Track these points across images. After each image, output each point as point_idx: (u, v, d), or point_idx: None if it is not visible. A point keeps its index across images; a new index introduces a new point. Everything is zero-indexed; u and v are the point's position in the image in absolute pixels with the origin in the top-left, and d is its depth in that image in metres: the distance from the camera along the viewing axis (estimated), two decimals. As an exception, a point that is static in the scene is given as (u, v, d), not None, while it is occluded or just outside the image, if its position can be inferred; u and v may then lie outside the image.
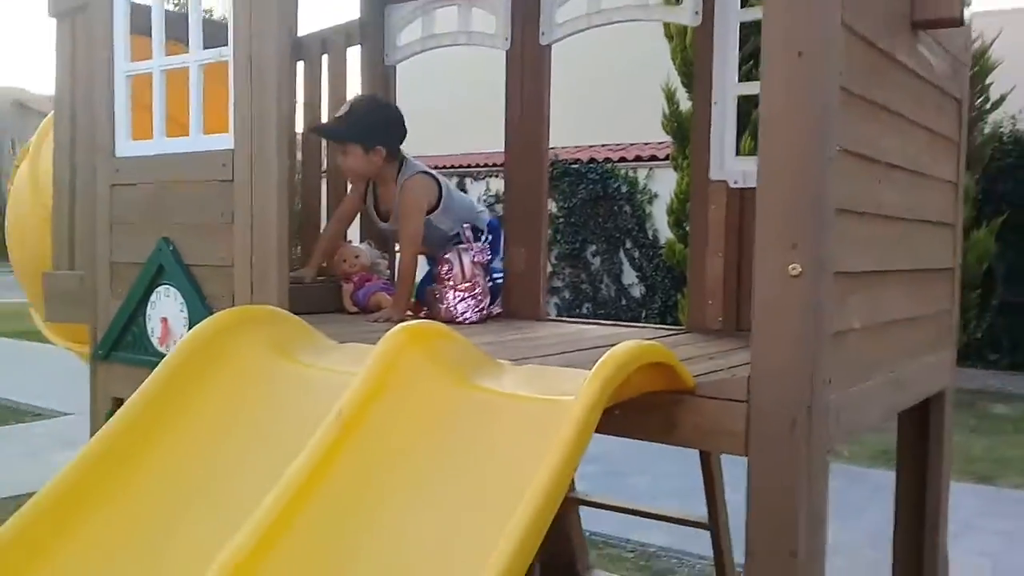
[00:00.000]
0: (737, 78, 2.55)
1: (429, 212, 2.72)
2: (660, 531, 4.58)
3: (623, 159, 14.04)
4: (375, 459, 1.39)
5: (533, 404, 1.39)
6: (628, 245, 14.04)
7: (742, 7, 2.51)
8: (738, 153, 2.56)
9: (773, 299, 1.39)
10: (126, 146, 2.31)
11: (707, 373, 1.58)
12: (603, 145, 14.67)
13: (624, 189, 13.98)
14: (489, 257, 2.76)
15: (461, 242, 2.70)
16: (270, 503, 1.28)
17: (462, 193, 3.08)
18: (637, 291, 13.52)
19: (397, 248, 2.97)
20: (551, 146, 2.87)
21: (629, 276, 14.09)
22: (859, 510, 4.98)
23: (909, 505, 2.26)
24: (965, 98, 2.32)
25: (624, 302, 13.80)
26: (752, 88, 2.62)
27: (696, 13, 2.55)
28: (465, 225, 2.72)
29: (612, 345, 1.32)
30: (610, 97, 14.42)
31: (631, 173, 14.10)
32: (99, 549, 1.44)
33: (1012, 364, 10.63)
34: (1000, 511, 5.54)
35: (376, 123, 2.70)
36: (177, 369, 1.65)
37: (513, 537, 1.11)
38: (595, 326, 2.75)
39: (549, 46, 2.77)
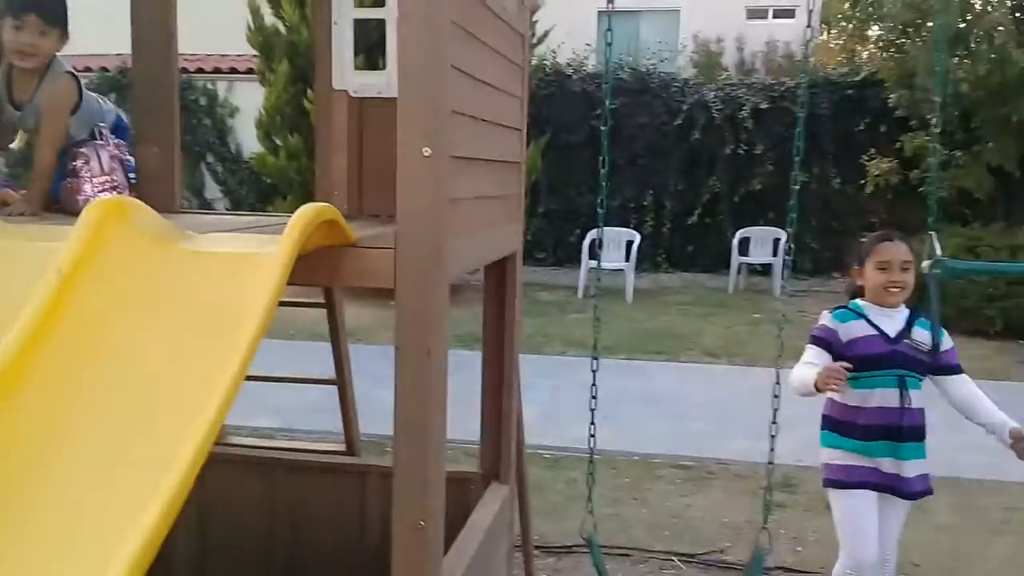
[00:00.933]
0: (354, 4, 3.02)
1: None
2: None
3: (201, 70, 13.61)
4: (94, 312, 1.67)
5: (236, 257, 1.79)
6: (210, 159, 13.77)
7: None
8: (358, 68, 3.05)
9: (412, 174, 1.93)
10: None
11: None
12: (180, 55, 13.98)
13: (203, 102, 13.60)
14: (128, 156, 2.92)
15: (96, 138, 2.82)
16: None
17: (90, 93, 3.15)
18: (221, 205, 13.40)
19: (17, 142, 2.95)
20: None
21: (212, 190, 13.86)
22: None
23: (494, 356, 2.98)
24: (526, 32, 3.05)
25: (212, 217, 13.47)
26: (365, 13, 3.13)
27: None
28: (101, 124, 2.85)
29: (264, 225, 1.72)
30: (184, 5, 13.76)
31: (210, 86, 13.74)
32: None
33: (555, 261, 12.69)
34: (547, 372, 6.90)
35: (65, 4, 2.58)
36: None
37: (241, 349, 1.50)
38: (233, 216, 3.09)
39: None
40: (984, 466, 5.10)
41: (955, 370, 2.94)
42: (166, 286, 1.71)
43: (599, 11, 16.20)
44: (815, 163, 12.51)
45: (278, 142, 9.82)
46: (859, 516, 2.90)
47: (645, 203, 12.80)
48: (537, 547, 3.71)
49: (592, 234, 10.99)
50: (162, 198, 3.00)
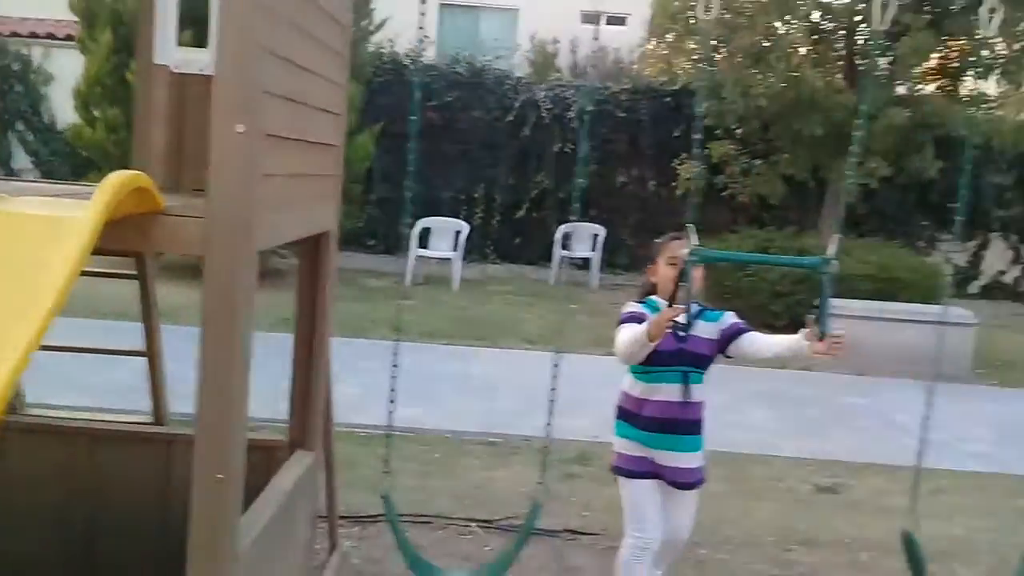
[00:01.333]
0: (177, -20, 3.10)
1: None
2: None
3: (16, 34, 12.80)
4: None
5: (45, 220, 1.88)
6: (20, 128, 12.96)
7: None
8: (179, 44, 3.13)
9: (226, 149, 2.09)
10: None
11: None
12: (-10, 14, 13.14)
13: (17, 67, 12.79)
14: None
15: None
16: None
17: None
18: (32, 177, 12.64)
19: None
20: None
21: (21, 160, 13.06)
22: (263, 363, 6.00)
23: (305, 330, 3.13)
24: (348, 23, 3.23)
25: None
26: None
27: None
28: None
29: (77, 193, 1.81)
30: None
31: (25, 51, 12.94)
32: None
33: (385, 249, 12.79)
34: (370, 355, 7.03)
35: None
36: None
37: (41, 313, 1.60)
38: (46, 184, 3.09)
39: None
40: (755, 443, 5.75)
41: (744, 330, 3.18)
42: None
43: (440, 2, 16.45)
44: (634, 165, 13.29)
45: (97, 114, 9.42)
46: (642, 502, 3.19)
47: (476, 195, 13.14)
48: (344, 516, 3.90)
49: (422, 223, 11.22)
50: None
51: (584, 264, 12.36)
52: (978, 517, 4.82)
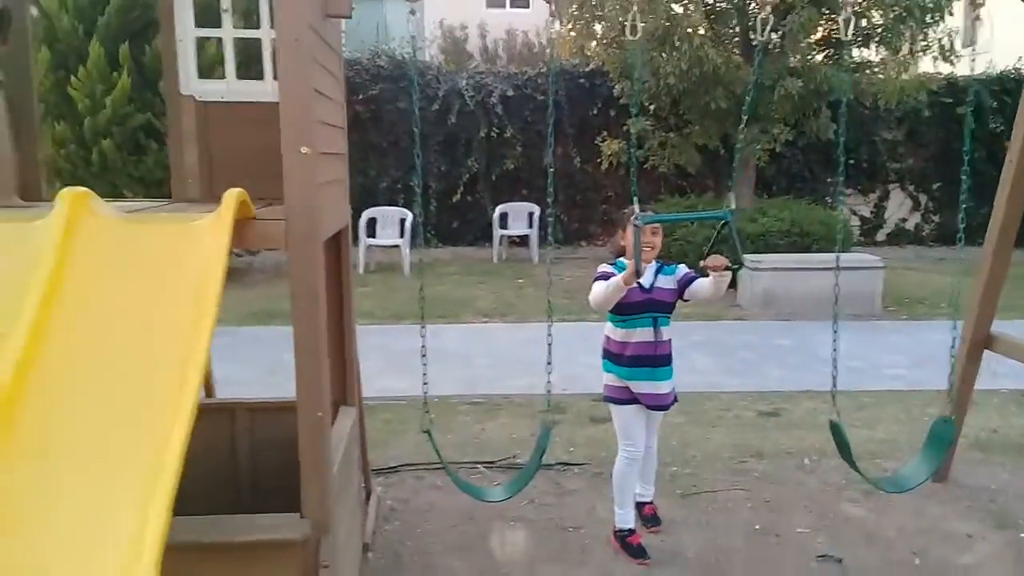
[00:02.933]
0: (194, 25, 3.61)
1: None
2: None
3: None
4: (81, 290, 2.23)
5: (186, 227, 2.43)
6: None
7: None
8: (200, 76, 3.64)
9: (295, 167, 2.65)
10: None
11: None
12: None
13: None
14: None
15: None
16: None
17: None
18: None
19: None
20: None
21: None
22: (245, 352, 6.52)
23: (335, 311, 3.70)
24: (340, 50, 3.79)
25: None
26: (207, 31, 3.71)
27: (160, -29, 3.52)
28: None
29: (154, 208, 2.31)
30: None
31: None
32: None
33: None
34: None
35: None
36: None
37: (204, 308, 2.18)
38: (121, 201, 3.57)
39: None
40: (703, 383, 6.52)
41: (694, 278, 3.81)
42: (134, 258, 2.34)
43: None
44: (558, 144, 13.95)
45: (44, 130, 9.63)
46: (629, 423, 3.88)
47: (412, 183, 13.67)
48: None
49: (367, 213, 11.72)
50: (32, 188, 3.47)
51: (522, 241, 13.04)
52: (897, 424, 5.65)
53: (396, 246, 11.50)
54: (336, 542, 2.92)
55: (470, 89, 13.79)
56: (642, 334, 3.80)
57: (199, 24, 3.63)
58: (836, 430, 3.62)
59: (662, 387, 3.85)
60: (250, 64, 3.85)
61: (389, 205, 12.55)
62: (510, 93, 13.85)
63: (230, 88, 3.68)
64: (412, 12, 3.26)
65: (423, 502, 4.48)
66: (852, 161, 14.63)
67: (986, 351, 4.51)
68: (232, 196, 2.44)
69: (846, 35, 3.43)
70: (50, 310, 2.14)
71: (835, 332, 3.72)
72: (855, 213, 14.99)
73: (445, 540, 4.05)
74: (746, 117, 3.77)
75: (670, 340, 3.88)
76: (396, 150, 13.58)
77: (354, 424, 3.69)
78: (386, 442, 5.20)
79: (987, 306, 4.47)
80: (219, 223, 2.38)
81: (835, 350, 3.71)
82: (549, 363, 3.55)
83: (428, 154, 13.73)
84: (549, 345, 3.53)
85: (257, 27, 3.74)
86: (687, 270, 3.91)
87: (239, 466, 3.75)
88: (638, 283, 3.68)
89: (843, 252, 10.92)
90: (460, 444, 5.22)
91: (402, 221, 11.75)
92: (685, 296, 3.85)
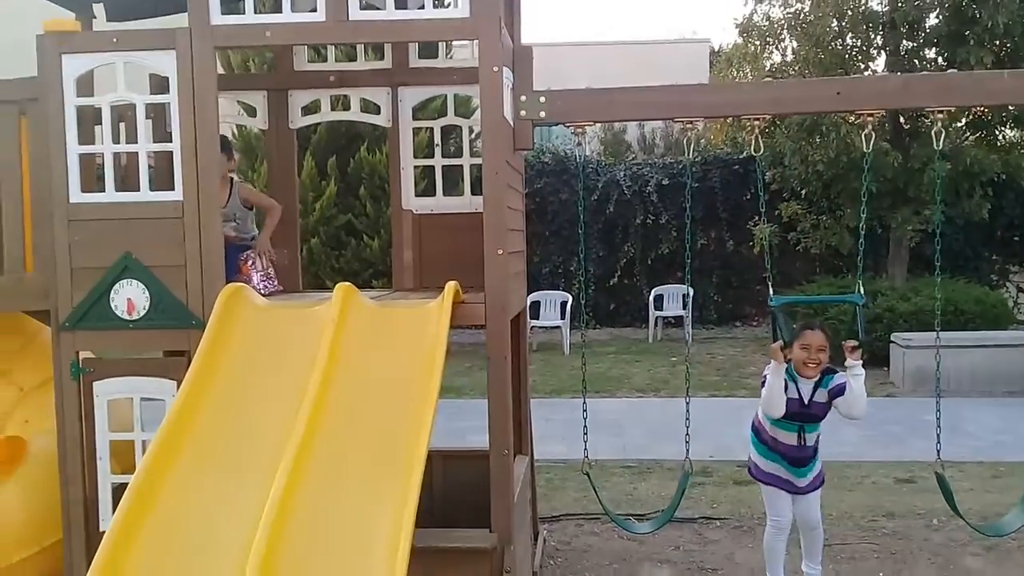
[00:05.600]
0: (412, 155, 4.75)
1: None
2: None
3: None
4: (350, 354, 3.28)
5: (418, 308, 3.44)
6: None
7: (413, 119, 4.73)
8: (416, 195, 4.77)
9: (493, 263, 3.62)
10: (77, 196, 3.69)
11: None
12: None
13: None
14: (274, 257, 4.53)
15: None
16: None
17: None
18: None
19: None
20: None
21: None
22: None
23: (515, 379, 4.65)
24: (522, 172, 4.82)
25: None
26: (421, 162, 4.84)
27: (388, 120, 4.70)
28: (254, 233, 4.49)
29: (384, 295, 3.35)
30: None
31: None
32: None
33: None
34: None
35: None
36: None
37: (433, 369, 3.14)
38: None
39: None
40: (846, 453, 7.00)
41: (842, 391, 4.03)
42: (386, 331, 3.37)
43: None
44: (712, 228, 14.64)
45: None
46: (774, 497, 4.23)
47: (572, 268, 14.69)
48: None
49: (531, 297, 12.79)
50: (292, 284, 4.65)
51: (676, 322, 13.72)
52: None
53: (557, 327, 12.48)
54: (516, 555, 3.78)
55: (627, 179, 14.78)
56: (787, 437, 4.13)
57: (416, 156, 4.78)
58: (940, 480, 4.16)
59: (801, 481, 4.20)
60: (454, 182, 4.97)
61: (551, 289, 13.58)
62: (665, 182, 14.73)
63: (438, 203, 4.78)
64: (578, 144, 4.22)
65: (582, 544, 5.27)
66: (1017, 238, 14.48)
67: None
68: (451, 287, 3.44)
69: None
70: (334, 365, 3.18)
71: (937, 399, 4.26)
72: (1022, 291, 14.71)
73: (601, 575, 4.81)
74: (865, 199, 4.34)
75: (816, 442, 4.19)
76: (558, 238, 14.68)
77: (526, 470, 4.58)
78: (549, 496, 6.04)
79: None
80: (443, 306, 3.37)
81: (938, 412, 4.25)
82: (687, 419, 4.27)
83: (588, 240, 14.74)
84: (687, 403, 4.28)
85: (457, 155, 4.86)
86: (842, 380, 4.08)
87: (433, 497, 4.69)
88: (799, 395, 4.04)
89: (1002, 330, 11.05)
90: (613, 499, 5.97)
91: (563, 304, 12.75)
92: (834, 405, 4.09)
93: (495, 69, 3.57)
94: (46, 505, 3.86)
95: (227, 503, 2.88)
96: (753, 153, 4.16)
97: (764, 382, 4.10)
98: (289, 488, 2.78)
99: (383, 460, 2.93)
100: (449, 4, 4.39)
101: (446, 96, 5.03)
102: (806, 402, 4.07)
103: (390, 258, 12.73)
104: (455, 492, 4.65)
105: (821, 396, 4.09)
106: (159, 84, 3.78)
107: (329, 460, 2.93)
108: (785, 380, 4.03)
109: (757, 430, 4.29)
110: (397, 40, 4.43)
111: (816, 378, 4.08)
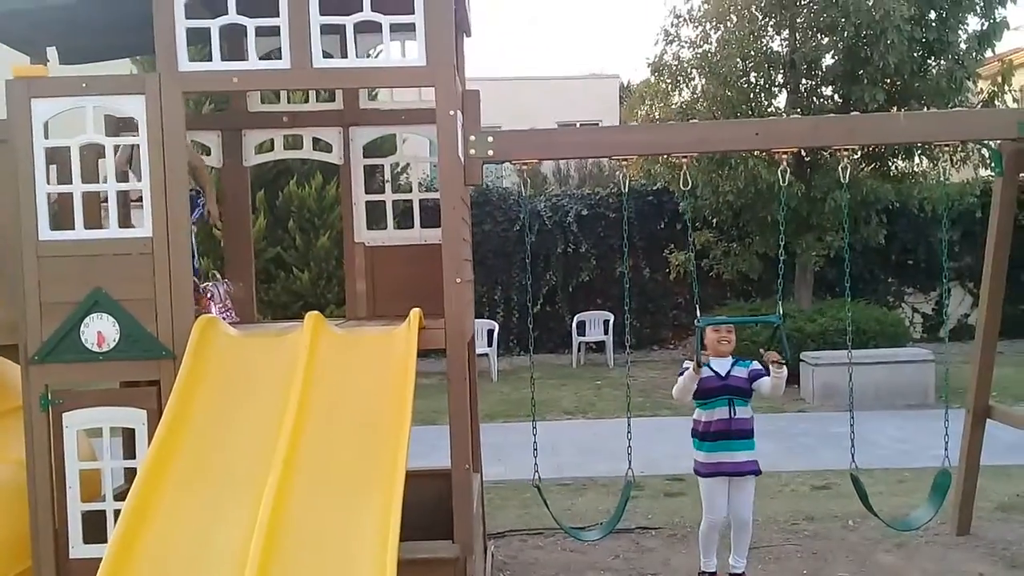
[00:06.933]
0: (364, 192, 5.00)
1: None
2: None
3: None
4: (325, 380, 3.51)
5: (385, 334, 3.68)
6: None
7: (364, 156, 4.99)
8: (368, 228, 5.01)
9: (452, 292, 3.89)
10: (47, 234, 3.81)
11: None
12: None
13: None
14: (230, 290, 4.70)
15: (218, 280, 4.62)
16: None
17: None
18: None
19: None
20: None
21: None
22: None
23: (471, 404, 4.93)
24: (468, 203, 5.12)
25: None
26: (373, 197, 5.09)
27: (340, 158, 4.95)
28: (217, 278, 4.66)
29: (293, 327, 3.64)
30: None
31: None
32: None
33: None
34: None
35: None
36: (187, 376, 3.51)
37: (405, 390, 3.40)
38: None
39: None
40: (764, 464, 7.45)
41: (761, 375, 4.69)
42: (355, 355, 3.60)
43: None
44: (629, 257, 15.18)
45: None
46: (711, 493, 4.78)
47: (496, 296, 15.00)
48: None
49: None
50: (248, 315, 4.82)
51: (598, 347, 14.17)
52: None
53: (485, 354, 12.76)
54: (475, 566, 4.03)
55: (548, 210, 15.24)
56: (720, 413, 4.69)
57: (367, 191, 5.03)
58: (856, 482, 4.60)
59: (738, 456, 4.70)
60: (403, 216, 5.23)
61: (478, 318, 13.85)
62: (584, 212, 15.24)
63: (390, 235, 5.03)
64: (524, 180, 4.54)
65: (528, 557, 5.54)
66: (911, 261, 15.50)
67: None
68: (416, 313, 3.70)
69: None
70: (310, 387, 3.40)
71: (851, 415, 4.73)
72: (916, 311, 15.73)
73: (548, 585, 5.09)
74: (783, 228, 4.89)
75: (751, 418, 4.75)
76: (482, 267, 14.97)
77: (480, 486, 4.83)
78: (493, 514, 6.27)
79: (983, 383, 5.46)
80: (409, 331, 3.63)
81: (852, 420, 4.71)
82: (628, 432, 4.62)
83: (511, 269, 15.11)
84: (628, 418, 4.63)
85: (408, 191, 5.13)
86: (758, 367, 4.76)
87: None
88: (715, 372, 4.68)
89: (899, 347, 11.86)
90: (554, 514, 6.25)
91: (489, 332, 13.04)
92: (752, 386, 4.72)
93: (451, 113, 3.87)
94: (14, 533, 3.93)
95: (215, 524, 3.06)
96: (681, 187, 4.59)
97: (682, 372, 4.71)
98: (276, 507, 2.99)
99: (365, 475, 3.16)
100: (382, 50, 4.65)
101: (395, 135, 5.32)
102: (723, 375, 4.70)
103: (320, 290, 12.75)
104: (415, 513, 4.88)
105: (740, 372, 4.73)
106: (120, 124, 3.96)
107: (313, 477, 3.14)
108: (704, 368, 4.65)
109: (695, 428, 4.80)
110: (359, 86, 4.70)
111: (729, 356, 4.75)
